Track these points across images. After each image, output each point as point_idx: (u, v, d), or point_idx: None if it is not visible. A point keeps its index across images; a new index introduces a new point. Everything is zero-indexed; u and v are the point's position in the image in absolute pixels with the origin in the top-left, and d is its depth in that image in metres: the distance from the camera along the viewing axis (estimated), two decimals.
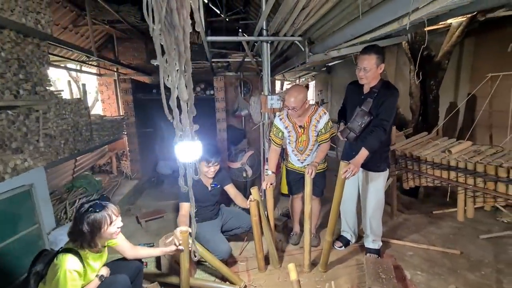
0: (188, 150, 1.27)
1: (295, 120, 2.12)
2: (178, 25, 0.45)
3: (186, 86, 0.50)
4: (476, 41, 3.74)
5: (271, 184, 2.11)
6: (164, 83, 0.50)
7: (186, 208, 2.04)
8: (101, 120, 3.67)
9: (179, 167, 0.65)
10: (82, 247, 1.34)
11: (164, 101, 0.52)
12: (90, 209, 1.34)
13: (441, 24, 2.83)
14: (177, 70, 0.49)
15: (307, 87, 8.12)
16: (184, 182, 0.63)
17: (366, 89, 1.93)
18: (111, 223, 1.37)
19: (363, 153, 1.83)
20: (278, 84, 8.99)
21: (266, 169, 2.81)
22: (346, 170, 1.80)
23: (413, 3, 1.14)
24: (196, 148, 1.35)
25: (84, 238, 1.31)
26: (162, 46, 0.47)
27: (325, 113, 2.12)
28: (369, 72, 1.81)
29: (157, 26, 0.45)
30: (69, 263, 1.26)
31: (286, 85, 9.69)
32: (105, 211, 1.36)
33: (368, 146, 1.83)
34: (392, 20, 1.50)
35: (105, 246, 1.51)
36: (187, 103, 0.53)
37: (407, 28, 1.54)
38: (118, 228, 1.43)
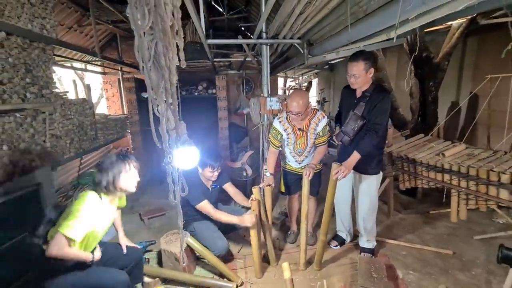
0: (185, 158, 1.34)
1: (295, 123, 2.16)
2: (164, 66, 0.52)
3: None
4: (479, 40, 3.72)
5: (269, 185, 2.18)
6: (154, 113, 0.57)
7: (207, 204, 2.15)
8: (105, 119, 3.77)
9: (169, 184, 0.71)
10: (106, 190, 1.50)
11: (153, 128, 0.59)
12: (116, 156, 1.53)
13: (442, 25, 2.83)
14: (165, 101, 0.56)
15: (309, 86, 8.11)
16: (173, 197, 0.70)
17: (358, 93, 1.99)
18: (129, 170, 1.53)
19: (355, 156, 1.90)
20: (281, 81, 8.99)
21: (265, 169, 2.88)
22: (337, 172, 1.86)
23: (401, 16, 1.18)
24: (194, 156, 1.42)
25: (107, 180, 1.47)
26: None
27: (323, 117, 2.16)
28: (359, 78, 1.87)
29: (146, 64, 0.52)
30: (90, 194, 1.45)
31: (289, 82, 9.71)
32: (126, 160, 1.53)
33: (361, 149, 1.89)
34: (385, 28, 1.53)
35: (117, 206, 1.67)
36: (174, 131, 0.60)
37: (394, 41, 1.56)
38: (136, 180, 1.57)
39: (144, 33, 0.50)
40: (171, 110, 0.55)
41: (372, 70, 1.87)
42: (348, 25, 1.51)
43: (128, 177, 1.53)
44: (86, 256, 1.47)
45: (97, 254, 1.54)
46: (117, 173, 1.49)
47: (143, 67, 0.51)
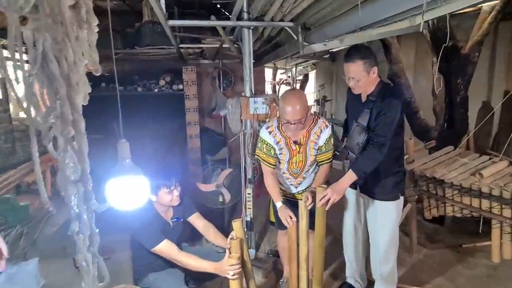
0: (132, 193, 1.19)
1: (290, 134, 2.06)
2: (58, 75, 0.38)
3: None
4: None
5: (290, 217, 1.97)
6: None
7: (167, 246, 1.95)
8: (26, 127, 3.54)
9: (76, 244, 0.59)
10: None
11: (39, 178, 0.45)
12: None
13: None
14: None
15: (304, 81, 8.13)
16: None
17: (363, 98, 1.96)
18: None
19: (350, 177, 1.86)
20: (269, 72, 8.99)
21: (249, 195, 2.76)
22: (323, 197, 1.79)
23: None
24: (143, 189, 1.28)
25: None
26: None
27: (326, 126, 2.09)
28: (360, 81, 1.83)
29: (32, 71, 0.38)
30: None
31: (280, 74, 9.73)
32: None
33: (358, 169, 1.85)
34: (404, 11, 1.48)
35: None
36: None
37: (421, 29, 1.52)
38: None
39: (25, 18, 0.37)
40: (73, 150, 0.41)
41: (375, 69, 1.83)
42: (359, 3, 1.44)
43: None
44: None
45: None
46: None
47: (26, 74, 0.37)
